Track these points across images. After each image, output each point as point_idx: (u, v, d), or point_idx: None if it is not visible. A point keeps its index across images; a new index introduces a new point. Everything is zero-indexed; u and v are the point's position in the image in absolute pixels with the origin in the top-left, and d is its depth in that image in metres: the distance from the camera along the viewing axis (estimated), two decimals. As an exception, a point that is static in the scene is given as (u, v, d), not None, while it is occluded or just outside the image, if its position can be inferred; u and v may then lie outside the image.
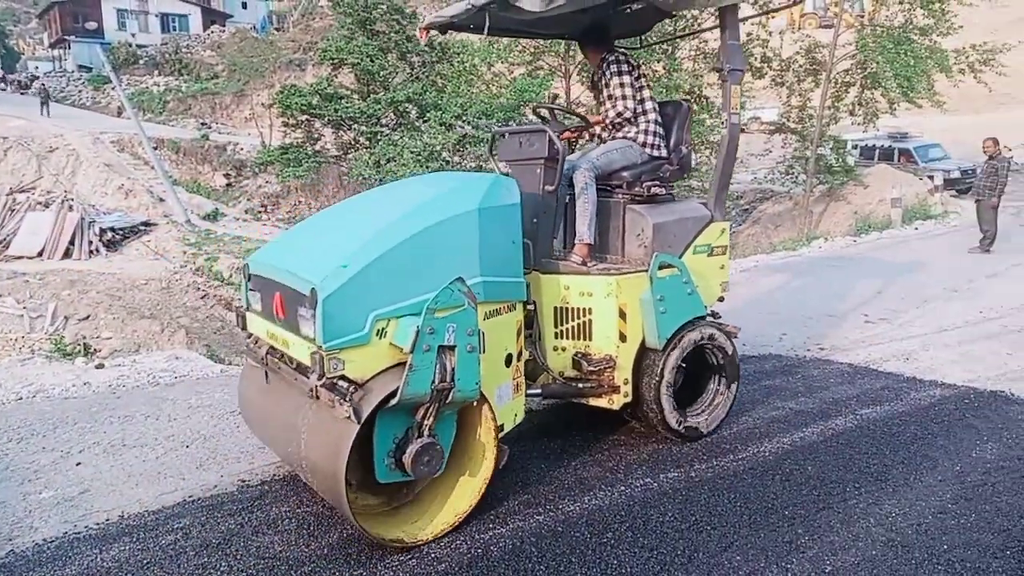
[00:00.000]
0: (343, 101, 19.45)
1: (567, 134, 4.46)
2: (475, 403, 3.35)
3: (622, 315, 4.03)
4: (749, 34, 19.63)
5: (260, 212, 30.23)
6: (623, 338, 4.06)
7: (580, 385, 4.09)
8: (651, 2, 4.12)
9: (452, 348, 3.08)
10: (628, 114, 4.47)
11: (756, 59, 19.55)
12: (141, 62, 41.84)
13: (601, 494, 3.72)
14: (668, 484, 3.81)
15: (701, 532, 3.33)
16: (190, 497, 3.83)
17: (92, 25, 45.55)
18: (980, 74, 18.29)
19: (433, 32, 4.91)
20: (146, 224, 26.95)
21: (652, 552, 3.17)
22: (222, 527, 3.50)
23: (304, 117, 19.51)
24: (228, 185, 31.57)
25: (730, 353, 4.46)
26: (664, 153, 4.60)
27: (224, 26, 48.78)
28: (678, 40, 19.02)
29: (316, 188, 29.46)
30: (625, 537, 3.30)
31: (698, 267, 4.41)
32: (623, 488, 3.77)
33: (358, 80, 20.10)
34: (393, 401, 2.98)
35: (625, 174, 4.42)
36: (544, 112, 4.68)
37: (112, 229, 24.41)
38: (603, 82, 4.56)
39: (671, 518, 3.46)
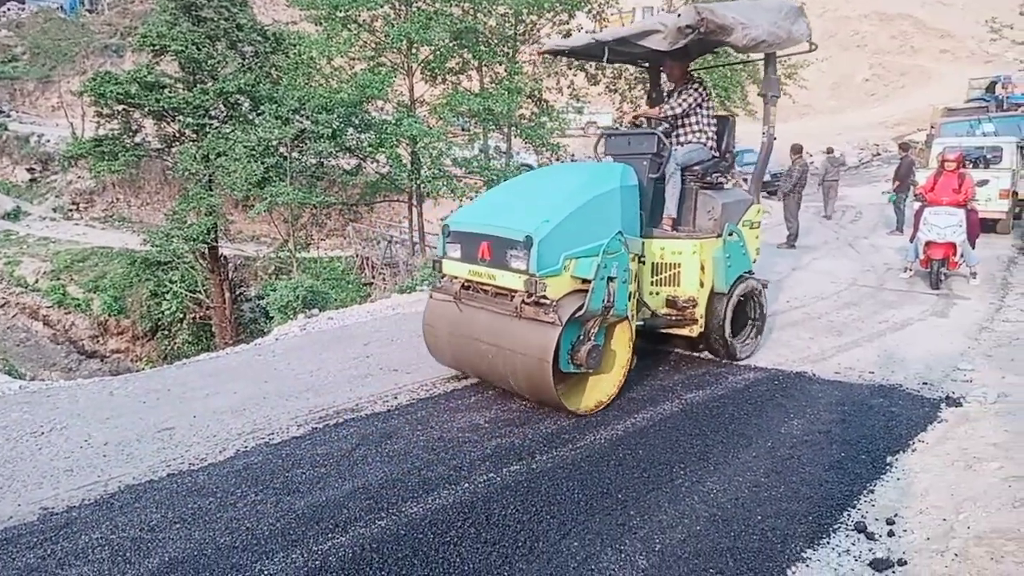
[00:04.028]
0: (166, 90, 18.00)
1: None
2: (621, 320, 4.87)
3: (702, 268, 5.53)
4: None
5: (72, 210, 27.44)
6: (702, 284, 5.56)
7: (671, 318, 5.56)
8: (735, 48, 5.45)
9: (613, 279, 4.56)
10: (681, 119, 5.94)
11: (591, 66, 20.43)
12: (-82, 39, 36.41)
13: (445, 493, 3.70)
14: (510, 477, 3.86)
15: (541, 522, 3.40)
16: (-22, 532, 3.38)
17: None
18: (785, 87, 20.24)
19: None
20: (-72, 224, 23.62)
21: (495, 546, 3.20)
22: (18, 563, 3.11)
23: (121, 107, 17.83)
24: (32, 181, 28.35)
25: (762, 299, 6.17)
26: (718, 154, 6.09)
27: (23, 3, 43.62)
28: (512, 43, 19.47)
29: (136, 184, 27.19)
30: (468, 534, 3.30)
31: (744, 236, 5.90)
32: (467, 485, 3.78)
33: (183, 68, 18.69)
34: (579, 313, 4.43)
35: (697, 168, 5.85)
36: (639, 120, 6.24)
37: None
38: (682, 94, 5.92)
39: (513, 511, 3.50)
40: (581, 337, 4.61)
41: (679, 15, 5.04)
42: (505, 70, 19.23)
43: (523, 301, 4.46)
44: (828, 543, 3.22)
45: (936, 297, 8.26)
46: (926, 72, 39.51)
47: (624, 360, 4.99)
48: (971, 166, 11.67)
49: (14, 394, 5.52)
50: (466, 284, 4.98)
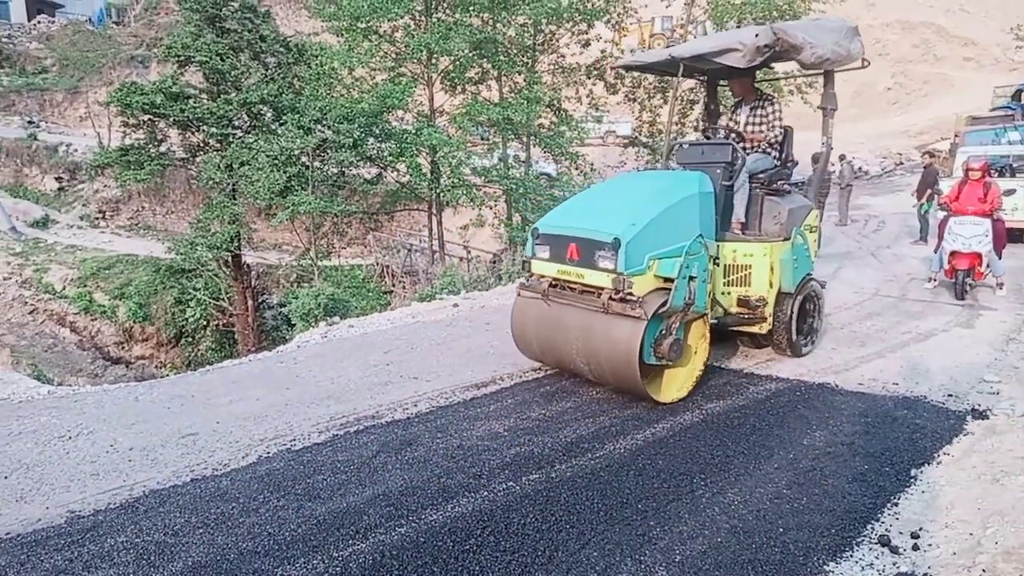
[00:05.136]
0: (190, 101, 18.29)
1: None
2: (699, 317, 5.22)
3: (771, 269, 5.84)
4: (603, 51, 20.51)
5: (98, 218, 27.89)
6: (771, 285, 5.89)
7: (742, 316, 5.89)
8: (802, 65, 5.81)
9: (694, 278, 4.94)
10: (780, 138, 6.39)
11: (611, 75, 20.45)
12: (-48, 51, 37.25)
13: (464, 501, 3.71)
14: (530, 486, 3.86)
15: (561, 531, 3.40)
16: (7, 534, 3.45)
17: None
18: (806, 95, 20.09)
19: None
20: (-41, 232, 24.11)
21: (514, 555, 3.20)
22: (46, 565, 3.16)
23: (146, 117, 18.14)
24: (60, 189, 28.87)
25: (822, 299, 6.58)
26: (779, 162, 6.40)
27: (53, 16, 44.52)
28: (531, 53, 19.56)
29: (161, 192, 27.59)
30: (487, 543, 3.30)
31: (807, 239, 6.27)
32: (486, 493, 3.78)
33: (207, 79, 18.97)
34: (663, 309, 4.82)
35: (762, 176, 6.14)
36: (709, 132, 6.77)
37: (-84, 238, 21.73)
38: (759, 111, 6.43)
39: (532, 519, 3.50)
40: (663, 331, 4.94)
41: (756, 35, 5.47)
42: (524, 80, 19.30)
43: (610, 297, 4.83)
44: (851, 556, 3.18)
45: (961, 308, 8.14)
46: (949, 80, 39.02)
47: (701, 354, 5.32)
48: (996, 175, 11.51)
49: (42, 399, 5.62)
50: (553, 282, 5.36)
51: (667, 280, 4.91)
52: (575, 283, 5.20)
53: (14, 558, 3.21)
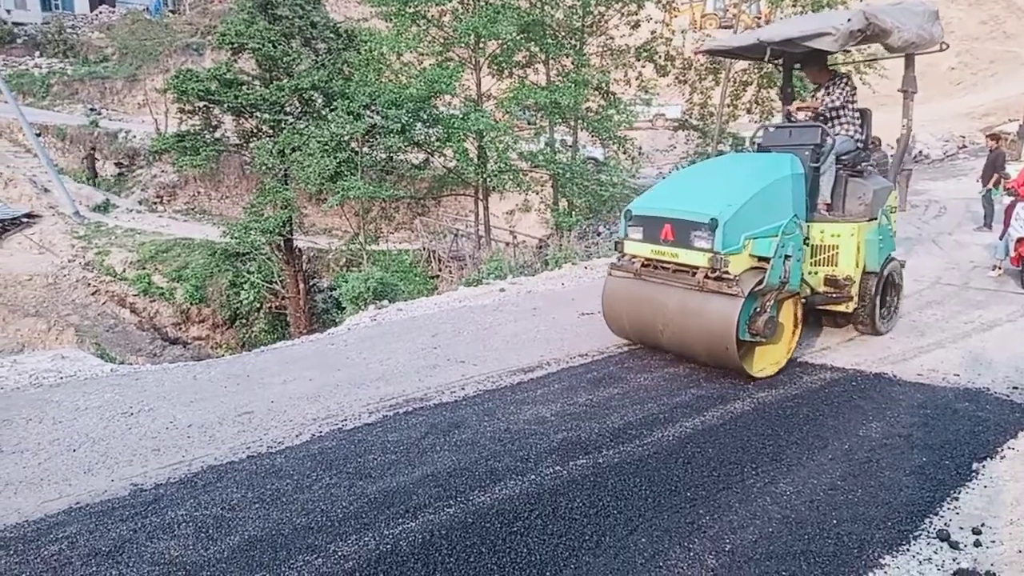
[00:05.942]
0: (244, 87, 18.65)
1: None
2: (792, 296, 5.34)
3: (858, 249, 5.94)
4: (653, 32, 20.17)
5: (156, 203, 28.75)
6: (857, 264, 5.98)
7: (829, 295, 5.96)
8: (889, 48, 5.83)
9: (789, 257, 5.04)
10: (838, 104, 6.28)
11: (660, 57, 20.10)
12: (19, 41, 38.71)
13: (512, 483, 3.73)
14: (577, 471, 3.86)
15: (608, 516, 3.39)
16: (76, 504, 3.60)
17: (-41, -1, 41.88)
18: (865, 76, 19.39)
19: None
20: (29, 216, 25.19)
21: (561, 539, 3.21)
22: (113, 534, 3.30)
23: (202, 103, 18.59)
24: (120, 175, 29.84)
25: (902, 279, 6.68)
26: (862, 145, 6.45)
27: (114, 7, 45.88)
28: (579, 35, 19.37)
29: (216, 178, 28.28)
30: (535, 525, 3.32)
31: (890, 219, 6.41)
32: (533, 477, 3.80)
33: (260, 66, 19.31)
34: (759, 287, 4.92)
35: (845, 158, 6.21)
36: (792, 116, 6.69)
37: (-12, 221, 22.72)
38: (835, 88, 6.33)
39: (580, 504, 3.50)
40: (758, 309, 5.08)
41: (849, 19, 5.48)
42: (572, 63, 19.11)
43: (706, 276, 5.00)
44: (908, 550, 3.10)
45: (1028, 297, 7.82)
46: (1020, 58, 37.22)
47: (792, 331, 5.49)
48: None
49: (106, 376, 5.83)
50: (646, 262, 5.54)
51: (761, 259, 5.03)
52: (669, 263, 5.37)
53: (83, 527, 3.36)
